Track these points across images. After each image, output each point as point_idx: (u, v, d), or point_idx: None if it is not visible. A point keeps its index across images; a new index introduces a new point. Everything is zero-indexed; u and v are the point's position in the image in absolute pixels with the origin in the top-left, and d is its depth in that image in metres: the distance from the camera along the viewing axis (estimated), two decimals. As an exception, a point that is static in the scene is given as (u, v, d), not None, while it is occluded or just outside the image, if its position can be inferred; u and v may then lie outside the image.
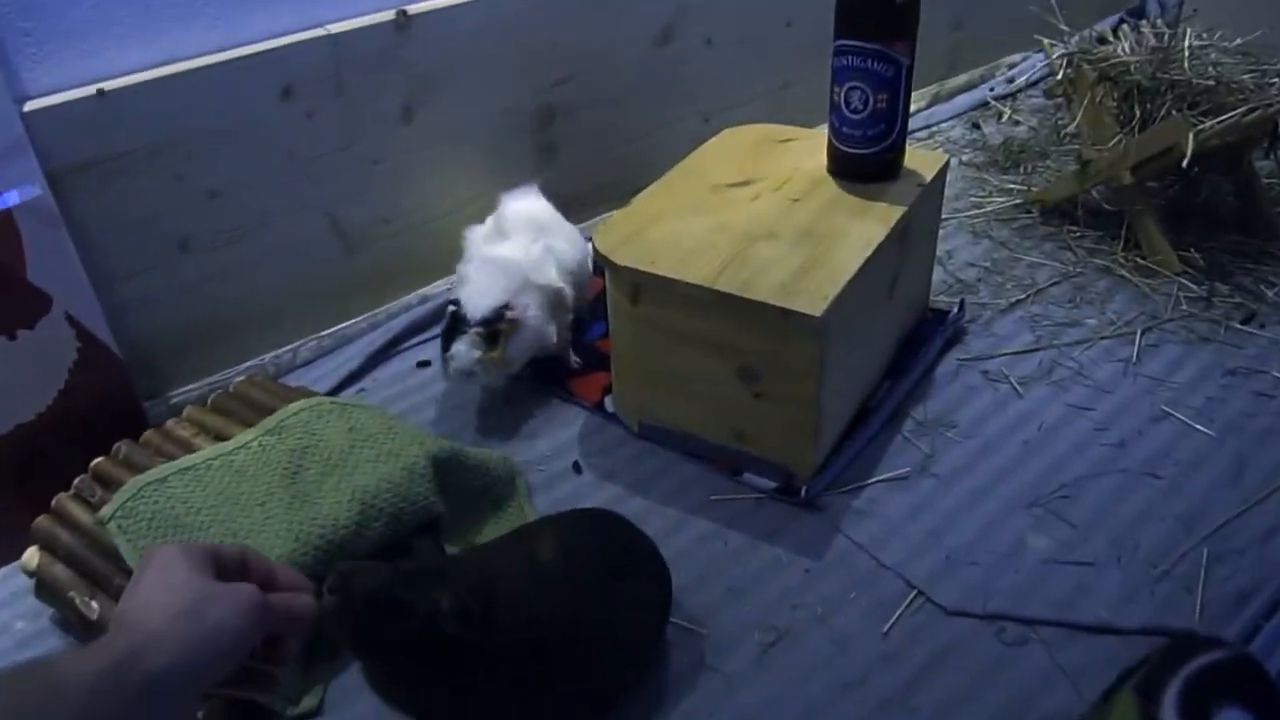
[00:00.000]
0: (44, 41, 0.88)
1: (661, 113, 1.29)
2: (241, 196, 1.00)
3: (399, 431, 0.85)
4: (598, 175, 1.26)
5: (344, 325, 1.12)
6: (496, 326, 0.92)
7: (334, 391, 1.04)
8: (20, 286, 0.88)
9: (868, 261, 0.83)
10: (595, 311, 1.11)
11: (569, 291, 1.01)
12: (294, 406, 0.87)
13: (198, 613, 0.51)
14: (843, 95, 0.90)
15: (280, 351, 1.08)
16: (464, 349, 0.92)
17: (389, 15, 1.03)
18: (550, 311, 0.98)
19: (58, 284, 0.90)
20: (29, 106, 0.88)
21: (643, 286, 0.86)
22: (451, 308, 0.94)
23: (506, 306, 0.92)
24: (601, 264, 0.88)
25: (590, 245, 0.93)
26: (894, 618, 0.77)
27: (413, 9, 1.04)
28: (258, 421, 0.87)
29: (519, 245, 0.99)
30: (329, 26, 1.00)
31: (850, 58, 0.88)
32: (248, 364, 1.07)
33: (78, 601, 0.77)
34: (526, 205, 1.05)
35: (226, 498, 0.79)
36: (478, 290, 0.94)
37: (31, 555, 0.81)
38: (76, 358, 0.92)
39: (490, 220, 1.04)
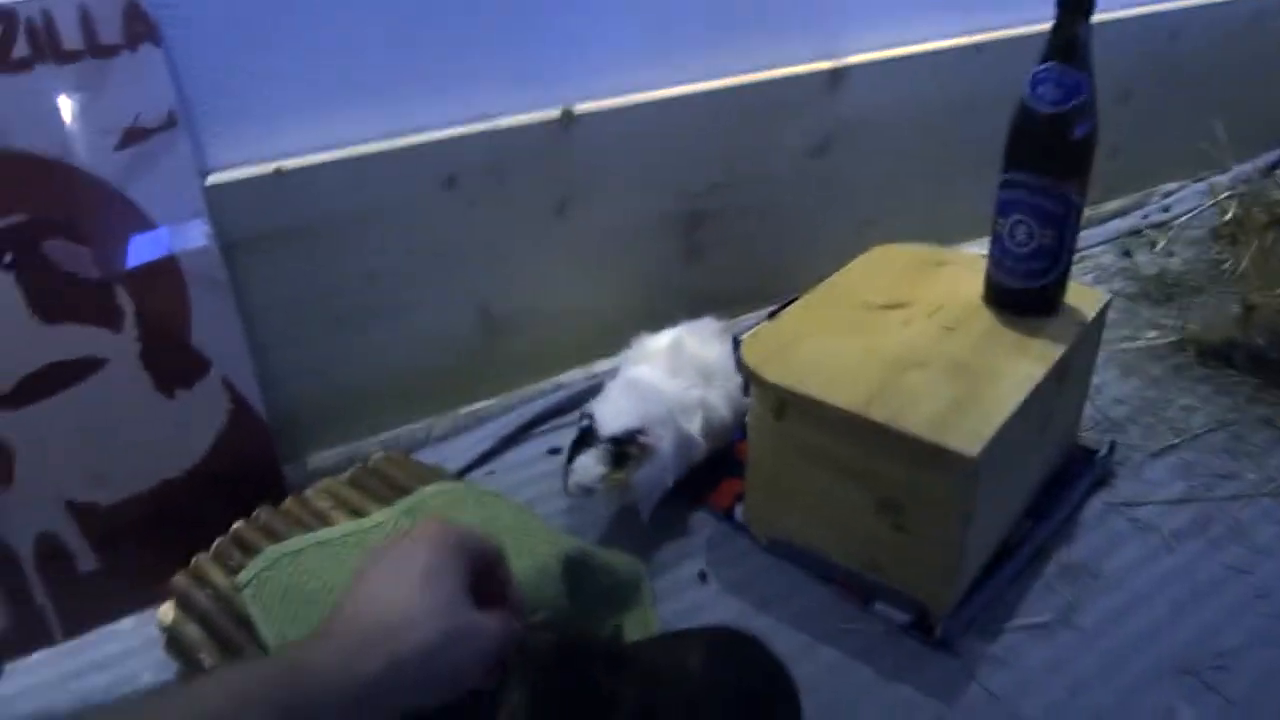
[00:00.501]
0: (232, 119, 0.93)
1: (813, 220, 1.29)
2: (398, 278, 1.03)
3: (532, 527, 0.85)
4: (743, 279, 1.26)
5: (479, 406, 1.13)
6: (627, 448, 0.89)
7: (465, 471, 1.05)
8: (184, 350, 0.92)
9: (1025, 401, 0.81)
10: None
11: (703, 448, 0.97)
12: (430, 489, 0.88)
13: (445, 648, 0.52)
14: (1006, 228, 0.89)
15: (416, 426, 1.10)
16: (589, 463, 0.89)
17: (554, 113, 1.05)
18: (680, 456, 0.94)
19: (218, 349, 0.94)
20: (210, 180, 0.92)
21: (789, 404, 0.84)
22: (584, 421, 0.92)
23: (641, 431, 0.90)
24: (747, 376, 0.87)
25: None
26: (1030, 780, 0.74)
27: (578, 109, 1.06)
28: (393, 500, 0.88)
29: (677, 384, 0.96)
30: (496, 120, 1.03)
31: (1018, 191, 0.87)
32: (384, 435, 1.09)
33: (206, 664, 0.78)
34: (704, 349, 1.01)
35: (359, 578, 0.79)
36: (616, 408, 0.92)
37: (167, 610, 0.83)
38: (226, 421, 0.95)
39: (666, 340, 1.01)
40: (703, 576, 0.92)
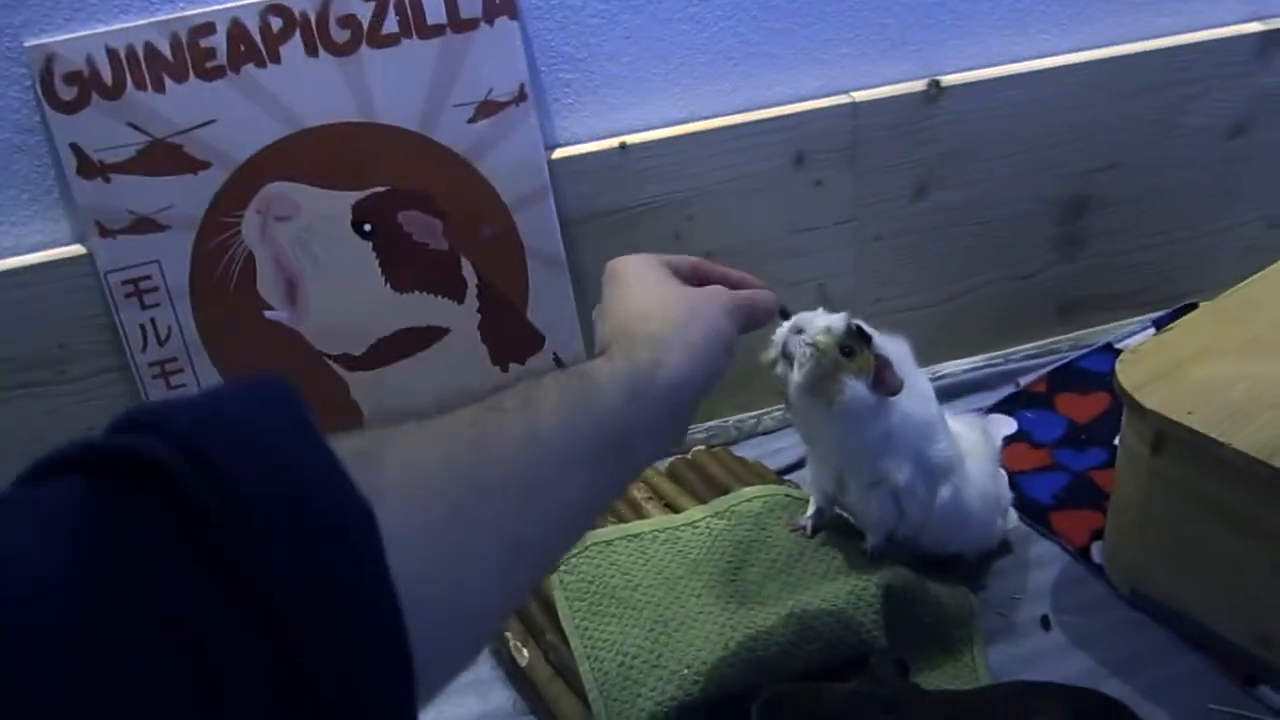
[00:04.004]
0: (580, 93, 0.92)
1: (1215, 214, 1.10)
2: (735, 259, 0.98)
3: (854, 544, 0.78)
4: (1122, 278, 1.10)
5: (812, 400, 1.07)
6: (855, 344, 0.69)
7: (789, 469, 0.99)
8: (521, 324, 0.93)
9: None
10: (1093, 433, 0.97)
11: (952, 478, 0.76)
12: (748, 492, 0.83)
13: (693, 318, 0.55)
14: None
15: (744, 416, 1.05)
16: (818, 320, 0.69)
17: (919, 85, 0.96)
18: (923, 461, 0.74)
19: (552, 324, 0.94)
20: (556, 154, 0.91)
21: (1169, 438, 0.71)
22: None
23: (887, 358, 0.70)
24: (1122, 399, 0.75)
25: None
26: None
27: (946, 79, 0.96)
28: (709, 497, 0.84)
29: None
30: (853, 94, 0.96)
31: None
32: (711, 423, 1.05)
33: (511, 645, 0.78)
34: (961, 425, 0.82)
35: (665, 578, 0.76)
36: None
37: (477, 589, 0.84)
38: (556, 397, 0.95)
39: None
40: (1045, 622, 0.81)
